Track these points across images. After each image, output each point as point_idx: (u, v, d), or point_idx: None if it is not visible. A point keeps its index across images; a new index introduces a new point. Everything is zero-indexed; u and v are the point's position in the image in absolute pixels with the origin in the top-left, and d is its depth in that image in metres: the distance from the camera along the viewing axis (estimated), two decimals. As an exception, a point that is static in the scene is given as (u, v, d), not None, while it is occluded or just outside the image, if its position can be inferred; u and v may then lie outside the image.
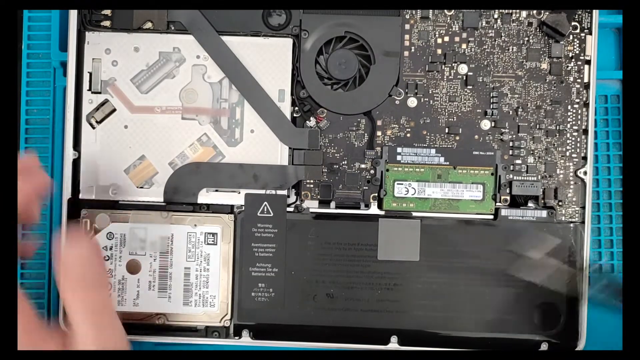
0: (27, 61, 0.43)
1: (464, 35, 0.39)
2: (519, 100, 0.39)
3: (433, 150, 0.39)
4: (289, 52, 0.38)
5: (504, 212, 0.38)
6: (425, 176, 0.38)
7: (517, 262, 0.38)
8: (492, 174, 0.39)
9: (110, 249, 0.38)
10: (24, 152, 0.41)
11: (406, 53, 0.39)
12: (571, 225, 0.39)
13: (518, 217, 0.38)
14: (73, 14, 0.38)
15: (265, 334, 0.38)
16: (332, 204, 0.39)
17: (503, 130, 0.39)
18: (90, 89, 0.38)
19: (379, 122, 0.39)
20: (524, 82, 0.39)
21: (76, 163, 0.38)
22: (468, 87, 0.39)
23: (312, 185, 0.39)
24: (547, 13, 0.39)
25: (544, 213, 0.38)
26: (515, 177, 0.39)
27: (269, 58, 0.38)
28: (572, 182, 0.39)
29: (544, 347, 0.38)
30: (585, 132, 0.39)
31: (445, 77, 0.39)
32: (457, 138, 0.39)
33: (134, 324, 0.38)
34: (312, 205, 0.39)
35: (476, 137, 0.39)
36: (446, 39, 0.39)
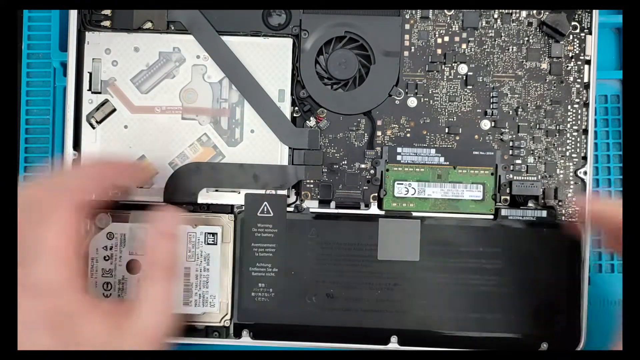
0: (27, 61, 0.43)
1: (464, 35, 0.39)
2: (519, 100, 0.39)
3: (433, 150, 0.39)
4: (289, 52, 0.38)
5: (504, 212, 0.38)
6: (425, 176, 0.38)
7: (517, 262, 0.38)
8: (492, 174, 0.38)
9: (110, 249, 0.38)
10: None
11: (406, 53, 0.39)
12: (571, 225, 0.39)
13: (518, 217, 0.38)
14: (73, 14, 0.38)
15: (265, 334, 0.38)
16: (332, 204, 0.39)
17: (503, 130, 0.39)
18: (90, 89, 0.38)
19: (379, 122, 0.39)
20: (524, 82, 0.39)
21: (76, 163, 0.38)
22: (468, 87, 0.39)
23: (312, 185, 0.39)
24: (547, 13, 0.39)
25: (544, 213, 0.38)
26: (515, 177, 0.39)
27: (269, 58, 0.38)
28: (572, 182, 0.39)
29: (544, 346, 0.38)
30: (585, 132, 0.39)
31: (445, 77, 0.39)
32: (457, 138, 0.39)
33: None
34: (312, 205, 0.39)
35: (476, 137, 0.39)
36: (446, 39, 0.39)
